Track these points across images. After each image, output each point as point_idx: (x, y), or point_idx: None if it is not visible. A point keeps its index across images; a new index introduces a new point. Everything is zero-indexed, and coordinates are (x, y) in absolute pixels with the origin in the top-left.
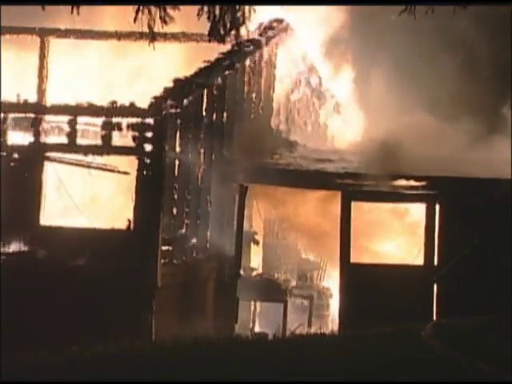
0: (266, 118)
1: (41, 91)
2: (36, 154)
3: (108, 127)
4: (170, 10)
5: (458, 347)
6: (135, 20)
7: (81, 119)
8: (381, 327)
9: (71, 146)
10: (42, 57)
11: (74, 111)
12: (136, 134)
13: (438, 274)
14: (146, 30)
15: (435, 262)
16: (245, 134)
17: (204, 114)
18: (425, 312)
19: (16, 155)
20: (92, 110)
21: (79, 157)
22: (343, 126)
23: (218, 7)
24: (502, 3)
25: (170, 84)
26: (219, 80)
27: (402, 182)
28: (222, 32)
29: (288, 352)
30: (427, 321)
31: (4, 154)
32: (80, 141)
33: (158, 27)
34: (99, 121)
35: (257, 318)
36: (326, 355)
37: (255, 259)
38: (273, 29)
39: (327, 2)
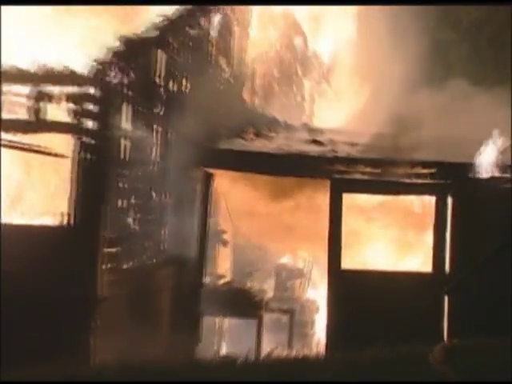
0: (238, 89)
1: None
2: None
3: (39, 98)
4: None
5: (473, 376)
6: None
7: (4, 87)
8: (379, 350)
9: None
10: None
11: None
12: (74, 106)
13: (449, 284)
14: None
15: (446, 269)
16: (211, 107)
17: (160, 82)
18: (433, 331)
19: None
20: (18, 76)
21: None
22: (334, 100)
23: None
24: (502, 3)
25: (118, 44)
26: (179, 40)
27: (407, 170)
28: None
29: (262, 380)
30: (436, 342)
31: None
32: (3, 115)
33: None
34: (27, 90)
35: (224, 338)
36: None
37: (223, 264)
38: None
39: (327, 2)
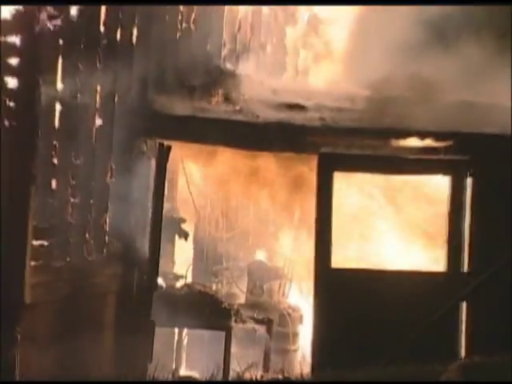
0: (201, 40)
1: None
2: None
3: None
4: None
5: None
6: None
7: None
8: (378, 370)
9: None
10: None
11: None
12: None
13: (468, 286)
14: None
15: (465, 268)
16: (167, 62)
17: (102, 30)
18: (448, 345)
19: None
20: None
21: None
22: (322, 54)
23: None
24: (502, 3)
25: None
26: None
27: (414, 143)
28: None
29: None
30: (451, 359)
31: None
32: None
33: None
34: None
35: (183, 354)
36: None
37: (182, 261)
38: None
39: (328, 2)
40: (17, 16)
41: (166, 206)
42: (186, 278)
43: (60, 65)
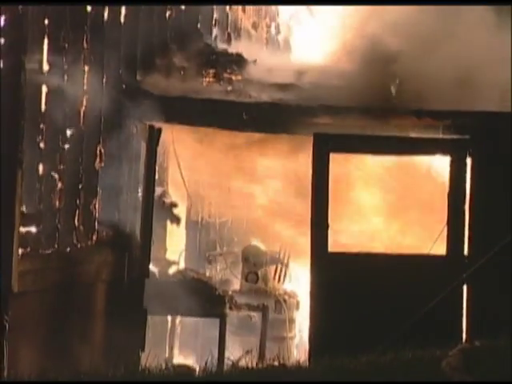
0: (192, 17)
1: None
2: None
3: None
4: None
5: None
6: None
7: None
8: (377, 356)
9: None
10: None
11: None
12: None
13: (469, 270)
14: None
15: (465, 251)
16: (156, 41)
17: (89, 9)
18: (448, 329)
19: None
20: None
21: None
22: (317, 30)
23: None
24: (502, 3)
25: None
26: None
27: (412, 121)
28: None
29: None
30: (451, 343)
31: None
32: None
33: None
34: None
35: (177, 343)
36: None
37: (174, 247)
38: None
39: (328, 2)
40: None
41: (157, 190)
42: (178, 264)
43: (46, 46)
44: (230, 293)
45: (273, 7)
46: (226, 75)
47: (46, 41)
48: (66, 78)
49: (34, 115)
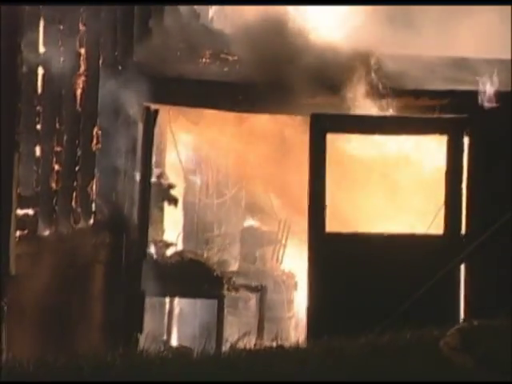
0: None
1: None
2: None
3: None
4: None
5: (497, 364)
6: None
7: None
8: (375, 336)
9: None
10: None
11: None
12: None
13: (467, 249)
14: None
15: (462, 230)
16: (152, 23)
17: None
18: (446, 309)
19: None
20: None
21: None
22: (316, 11)
23: None
24: (502, 3)
25: None
26: None
27: (409, 101)
28: None
29: (225, 378)
30: (449, 323)
31: None
32: None
33: None
34: None
35: (175, 325)
36: None
37: (172, 228)
38: None
39: (329, 3)
40: None
41: (155, 171)
42: (176, 245)
43: (42, 27)
44: (228, 274)
45: None
46: (221, 56)
47: (41, 22)
48: (62, 59)
49: (31, 97)
